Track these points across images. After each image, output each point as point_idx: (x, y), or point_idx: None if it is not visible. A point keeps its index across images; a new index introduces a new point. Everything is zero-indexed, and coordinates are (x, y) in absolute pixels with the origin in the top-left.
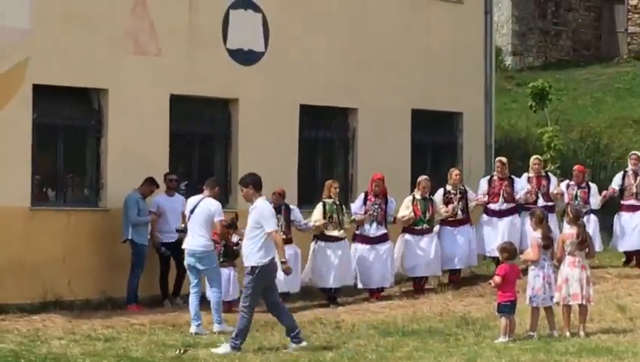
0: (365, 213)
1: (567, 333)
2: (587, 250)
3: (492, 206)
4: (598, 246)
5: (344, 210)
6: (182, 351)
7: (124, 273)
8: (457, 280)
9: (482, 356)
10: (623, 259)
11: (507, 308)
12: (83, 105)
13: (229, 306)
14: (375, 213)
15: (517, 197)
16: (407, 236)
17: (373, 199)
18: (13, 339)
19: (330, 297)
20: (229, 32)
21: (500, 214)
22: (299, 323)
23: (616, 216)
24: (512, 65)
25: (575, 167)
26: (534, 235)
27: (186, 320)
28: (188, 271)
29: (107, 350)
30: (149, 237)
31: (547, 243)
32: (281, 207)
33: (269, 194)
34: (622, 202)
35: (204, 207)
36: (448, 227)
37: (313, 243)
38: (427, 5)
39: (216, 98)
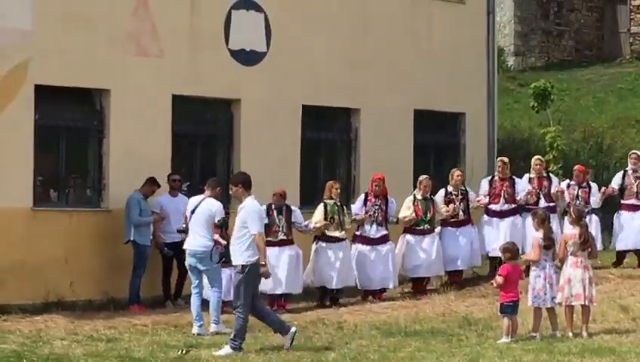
0: (365, 213)
1: (570, 334)
2: (590, 250)
3: (493, 206)
4: (599, 246)
5: (345, 211)
6: (184, 352)
7: (127, 274)
8: (459, 280)
9: (485, 356)
10: (613, 261)
11: (510, 309)
12: (85, 105)
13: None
14: (375, 214)
15: (518, 198)
16: (409, 237)
17: (373, 200)
18: (16, 340)
19: (332, 298)
20: (231, 33)
21: (501, 215)
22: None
23: (615, 215)
24: (514, 65)
25: (576, 167)
26: (536, 235)
27: (188, 321)
28: (189, 272)
29: (109, 350)
30: (151, 237)
31: (548, 243)
32: (282, 208)
33: (270, 195)
34: (622, 201)
35: (205, 207)
36: (450, 228)
37: (314, 243)
38: (429, 5)
39: (218, 98)
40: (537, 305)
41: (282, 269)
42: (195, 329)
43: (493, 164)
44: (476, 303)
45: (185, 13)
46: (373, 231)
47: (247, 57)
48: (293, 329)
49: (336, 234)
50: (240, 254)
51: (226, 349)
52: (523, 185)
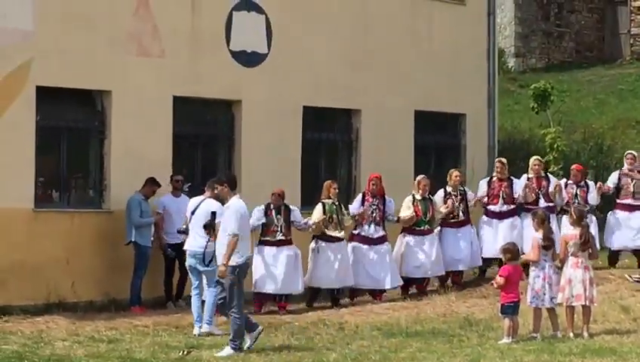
0: (364, 211)
1: (571, 334)
2: (590, 250)
3: (492, 207)
4: (597, 246)
5: (343, 210)
6: (185, 353)
7: (128, 275)
8: (460, 281)
9: (486, 357)
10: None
11: (510, 309)
12: (86, 106)
13: None
14: (373, 214)
15: (515, 195)
16: (408, 237)
17: (371, 199)
18: (17, 341)
19: (333, 298)
20: (232, 34)
21: (500, 216)
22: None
23: (610, 213)
24: (514, 66)
25: (573, 166)
26: (535, 236)
27: (189, 322)
28: (189, 273)
29: (111, 351)
30: (152, 238)
31: (548, 243)
32: (280, 208)
33: (269, 195)
34: (618, 201)
35: (205, 208)
36: (450, 228)
37: (313, 243)
38: (430, 7)
39: (219, 99)
40: (536, 305)
41: (280, 269)
42: (196, 330)
43: (494, 164)
44: (477, 304)
45: (186, 14)
46: (371, 230)
47: (248, 58)
48: (260, 327)
49: (335, 233)
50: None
51: (227, 350)
52: (521, 186)
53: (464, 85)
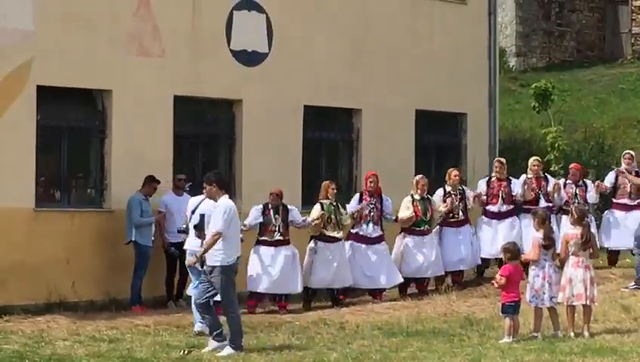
0: (361, 209)
1: (572, 334)
2: (591, 250)
3: (491, 207)
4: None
5: (341, 210)
6: (186, 352)
7: (128, 274)
8: (461, 281)
9: (486, 356)
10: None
11: (511, 309)
12: (87, 106)
13: None
14: (371, 213)
15: (514, 193)
16: (408, 237)
17: (368, 199)
18: (18, 340)
19: (334, 298)
20: (233, 33)
21: (499, 216)
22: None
23: (606, 213)
24: (515, 66)
25: (572, 165)
26: (536, 235)
27: (190, 321)
28: (189, 272)
29: (111, 351)
30: (152, 238)
31: (548, 243)
32: (278, 208)
33: (267, 195)
34: (614, 200)
35: (205, 207)
36: (449, 228)
37: (312, 243)
38: (431, 6)
39: (220, 99)
40: (535, 304)
41: (278, 269)
42: (196, 329)
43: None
44: (478, 303)
45: (187, 13)
46: (370, 230)
47: (249, 58)
48: (225, 342)
49: (334, 234)
50: (218, 256)
51: (228, 349)
52: (519, 185)
53: (465, 84)
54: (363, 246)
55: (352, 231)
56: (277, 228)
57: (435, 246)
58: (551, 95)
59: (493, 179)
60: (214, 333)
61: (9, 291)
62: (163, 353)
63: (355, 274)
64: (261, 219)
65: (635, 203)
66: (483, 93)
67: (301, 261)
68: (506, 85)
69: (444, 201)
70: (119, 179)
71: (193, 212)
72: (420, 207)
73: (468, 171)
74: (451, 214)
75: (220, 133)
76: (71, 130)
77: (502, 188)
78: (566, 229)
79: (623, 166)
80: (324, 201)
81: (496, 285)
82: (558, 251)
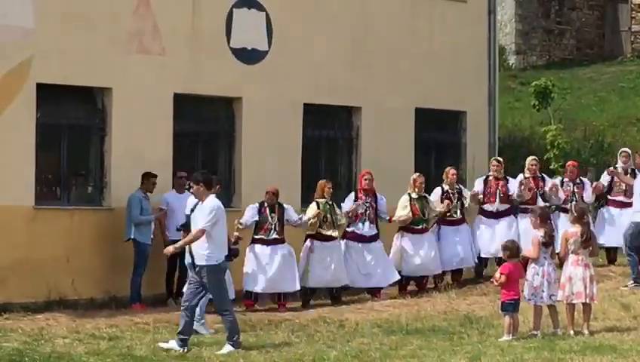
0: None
1: (571, 332)
2: (591, 248)
3: (488, 207)
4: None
5: (337, 210)
6: (186, 351)
7: (128, 272)
8: (460, 279)
9: (486, 354)
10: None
11: (511, 307)
12: (87, 104)
13: None
14: (367, 212)
15: (510, 192)
16: (406, 236)
17: (363, 198)
18: (18, 338)
19: (333, 297)
20: (233, 31)
21: (497, 215)
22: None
23: (601, 210)
24: (515, 64)
25: (568, 163)
26: (536, 233)
27: None
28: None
29: (111, 349)
30: (152, 236)
31: (548, 241)
32: (274, 206)
33: (263, 194)
34: (609, 197)
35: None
36: (447, 227)
37: (308, 242)
38: (430, 5)
39: (219, 97)
40: (534, 302)
41: (275, 268)
42: (195, 327)
43: None
44: (477, 301)
45: (186, 11)
46: (365, 228)
47: (249, 56)
48: (186, 349)
49: (330, 233)
50: (207, 255)
51: (227, 347)
52: (516, 184)
53: (465, 83)
54: (358, 244)
55: (347, 229)
56: (273, 227)
57: (433, 244)
58: (551, 93)
59: (491, 178)
60: (181, 336)
61: (9, 289)
62: (162, 351)
63: (351, 273)
64: (257, 218)
65: (631, 200)
66: (483, 92)
67: (298, 260)
68: (506, 83)
69: (442, 201)
70: (119, 177)
71: (192, 210)
72: (417, 206)
73: (467, 170)
74: (448, 213)
75: (220, 131)
76: (71, 128)
77: (499, 188)
78: (565, 227)
79: (620, 164)
80: (320, 200)
81: (495, 283)
82: (557, 249)
